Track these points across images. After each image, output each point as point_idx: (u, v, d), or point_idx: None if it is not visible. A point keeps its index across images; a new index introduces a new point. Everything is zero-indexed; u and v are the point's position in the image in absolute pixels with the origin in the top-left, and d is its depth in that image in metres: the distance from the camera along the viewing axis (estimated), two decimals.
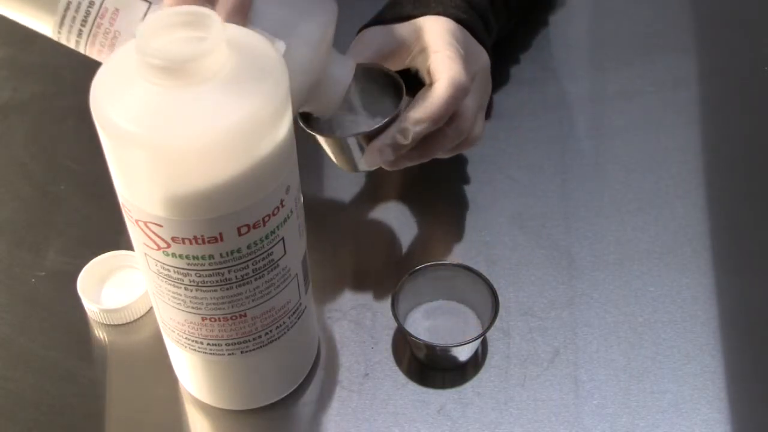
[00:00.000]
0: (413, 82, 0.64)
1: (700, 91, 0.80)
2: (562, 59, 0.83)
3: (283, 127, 0.46)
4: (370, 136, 0.61)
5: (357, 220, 0.71)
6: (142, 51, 0.42)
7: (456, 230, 0.70)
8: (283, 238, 0.49)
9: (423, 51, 0.64)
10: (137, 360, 0.62)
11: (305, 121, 0.62)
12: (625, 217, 0.70)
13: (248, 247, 0.47)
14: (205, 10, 0.43)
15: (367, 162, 0.62)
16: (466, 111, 0.63)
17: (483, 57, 0.67)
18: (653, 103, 0.79)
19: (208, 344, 0.52)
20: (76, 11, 0.52)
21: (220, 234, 0.46)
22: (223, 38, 0.43)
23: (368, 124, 0.63)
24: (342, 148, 0.62)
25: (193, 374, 0.57)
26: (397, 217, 0.70)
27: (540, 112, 0.78)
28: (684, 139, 0.75)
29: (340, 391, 0.60)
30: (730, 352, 0.61)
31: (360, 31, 0.67)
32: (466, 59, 0.63)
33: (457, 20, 0.66)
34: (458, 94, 0.61)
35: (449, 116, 0.62)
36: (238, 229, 0.46)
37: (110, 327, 0.63)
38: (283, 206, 0.48)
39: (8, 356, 0.62)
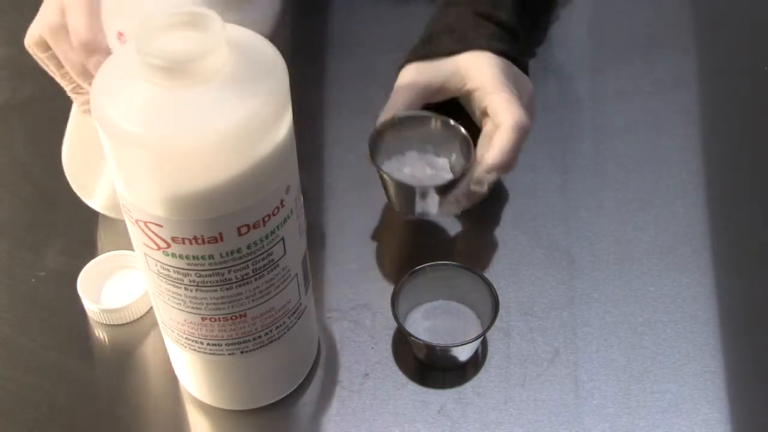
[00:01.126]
0: (447, 112, 0.65)
1: (700, 91, 0.80)
2: (562, 59, 0.83)
3: (283, 127, 0.46)
4: (443, 187, 0.62)
5: (357, 220, 0.70)
6: (142, 51, 0.42)
7: (456, 230, 0.69)
8: (283, 238, 0.49)
9: (475, 91, 0.65)
10: (137, 360, 0.62)
11: (374, 159, 0.63)
12: (625, 217, 0.69)
13: (248, 247, 0.47)
14: (205, 10, 0.43)
15: (443, 210, 0.63)
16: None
17: (528, 86, 0.68)
18: (653, 103, 0.79)
19: (208, 344, 0.52)
20: None
21: (220, 234, 0.46)
22: (223, 38, 0.42)
23: (431, 171, 0.65)
24: (408, 194, 0.63)
25: (193, 374, 0.57)
26: (397, 217, 0.70)
27: (540, 112, 0.77)
28: (684, 139, 0.75)
29: (340, 391, 0.60)
30: (730, 352, 0.61)
31: (401, 67, 0.68)
32: (519, 95, 0.64)
33: (499, 53, 0.66)
34: (523, 138, 0.63)
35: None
36: (238, 229, 0.46)
37: (110, 327, 0.63)
38: (283, 206, 0.48)
39: (8, 356, 0.62)
